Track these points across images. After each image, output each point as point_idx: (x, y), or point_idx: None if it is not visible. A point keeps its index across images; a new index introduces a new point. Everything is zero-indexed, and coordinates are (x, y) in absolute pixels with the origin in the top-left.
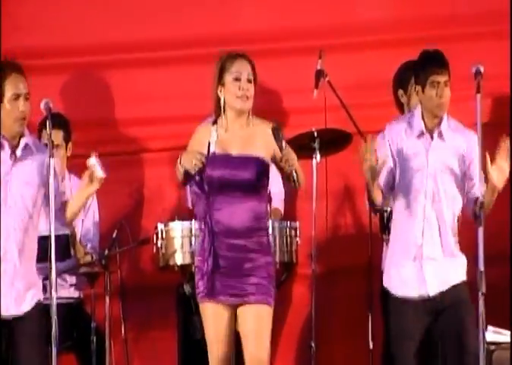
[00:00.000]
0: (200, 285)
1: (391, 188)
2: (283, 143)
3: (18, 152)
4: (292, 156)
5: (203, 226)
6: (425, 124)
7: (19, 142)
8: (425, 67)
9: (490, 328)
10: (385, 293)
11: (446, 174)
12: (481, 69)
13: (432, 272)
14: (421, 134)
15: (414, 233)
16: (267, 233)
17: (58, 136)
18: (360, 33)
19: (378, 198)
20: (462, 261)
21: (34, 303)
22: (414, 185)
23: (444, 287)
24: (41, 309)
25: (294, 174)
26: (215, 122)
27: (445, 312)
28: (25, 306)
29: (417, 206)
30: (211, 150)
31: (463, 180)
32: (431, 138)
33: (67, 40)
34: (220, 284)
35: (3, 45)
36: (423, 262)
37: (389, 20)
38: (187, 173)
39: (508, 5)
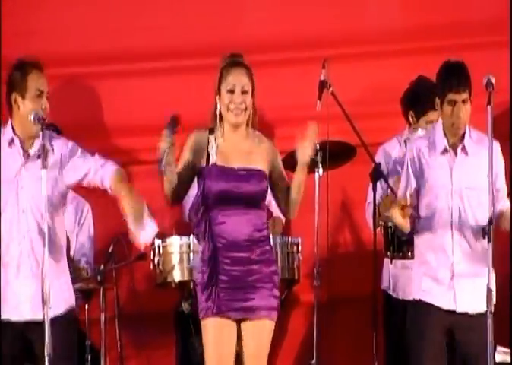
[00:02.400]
0: (203, 301)
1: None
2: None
3: (32, 151)
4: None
5: (204, 241)
6: (447, 139)
7: (33, 143)
8: (444, 82)
9: (499, 348)
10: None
11: (472, 191)
12: (493, 80)
13: (463, 290)
14: (445, 150)
15: (444, 251)
16: (269, 242)
17: None
18: (365, 42)
19: (407, 226)
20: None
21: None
22: (439, 202)
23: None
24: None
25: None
26: (212, 131)
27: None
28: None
29: (443, 224)
30: (211, 160)
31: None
32: (455, 154)
33: (58, 49)
34: (224, 299)
35: None
36: (454, 280)
37: (394, 30)
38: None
39: (509, 15)
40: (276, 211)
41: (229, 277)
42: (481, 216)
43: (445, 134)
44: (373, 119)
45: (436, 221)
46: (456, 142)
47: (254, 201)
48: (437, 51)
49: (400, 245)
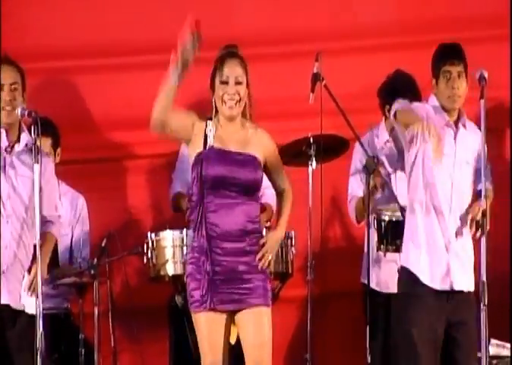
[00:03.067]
0: (195, 294)
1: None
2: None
3: (19, 146)
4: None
5: (196, 229)
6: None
7: (19, 137)
8: (438, 58)
9: (493, 341)
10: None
11: (468, 166)
12: (485, 74)
13: (458, 268)
14: (447, 124)
15: (441, 226)
16: (261, 235)
17: (45, 144)
18: (360, 36)
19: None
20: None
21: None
22: (442, 173)
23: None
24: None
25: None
26: (210, 119)
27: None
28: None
29: (443, 196)
30: (209, 143)
31: (474, 175)
32: (456, 127)
33: (54, 43)
34: (217, 291)
35: None
36: (450, 257)
37: (388, 24)
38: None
39: (508, 9)
40: (265, 199)
41: (220, 268)
42: (469, 190)
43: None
44: (366, 113)
45: (436, 192)
46: (454, 120)
47: (248, 190)
48: (433, 45)
49: (393, 238)
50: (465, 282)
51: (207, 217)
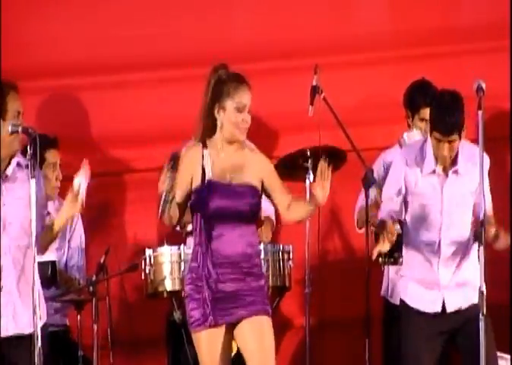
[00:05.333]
0: (195, 314)
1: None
2: None
3: (9, 170)
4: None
5: (198, 254)
6: (436, 162)
7: (9, 162)
8: (432, 120)
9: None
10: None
11: (460, 206)
12: (483, 85)
13: (450, 298)
14: (433, 172)
15: (430, 263)
16: (260, 256)
17: (55, 155)
18: (357, 49)
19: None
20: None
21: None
22: (428, 217)
23: (463, 305)
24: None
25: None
26: (204, 145)
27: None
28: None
29: (431, 236)
30: (207, 176)
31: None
32: (446, 175)
33: (50, 61)
34: (216, 311)
35: None
36: (442, 291)
37: (387, 36)
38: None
39: (508, 20)
40: (264, 211)
41: (221, 292)
42: (464, 231)
43: (435, 157)
44: (364, 125)
45: (423, 231)
46: (446, 165)
47: (248, 218)
48: (433, 57)
49: (392, 251)
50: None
51: (210, 244)
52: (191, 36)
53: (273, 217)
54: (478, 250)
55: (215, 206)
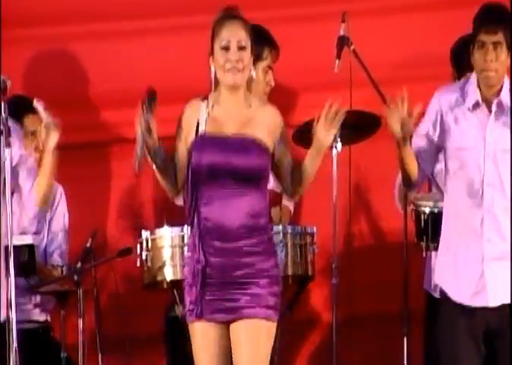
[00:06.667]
0: (187, 303)
1: (427, 169)
2: None
3: None
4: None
5: (189, 226)
6: (481, 93)
7: None
8: (475, 24)
9: None
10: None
11: (507, 154)
12: None
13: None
14: (477, 104)
15: (474, 228)
16: (268, 231)
17: (35, 121)
18: None
19: (413, 169)
20: None
21: None
22: (469, 169)
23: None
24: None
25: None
26: (205, 98)
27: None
28: None
29: (475, 195)
30: (200, 130)
31: None
32: (489, 110)
33: (35, 8)
34: (209, 299)
35: None
36: (484, 265)
37: None
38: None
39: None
40: (282, 199)
41: (213, 272)
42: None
43: (479, 87)
44: (403, 85)
45: (466, 192)
46: (491, 97)
47: (250, 179)
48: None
49: (435, 233)
50: None
51: (200, 211)
52: None
53: (292, 208)
54: None
55: (207, 162)
